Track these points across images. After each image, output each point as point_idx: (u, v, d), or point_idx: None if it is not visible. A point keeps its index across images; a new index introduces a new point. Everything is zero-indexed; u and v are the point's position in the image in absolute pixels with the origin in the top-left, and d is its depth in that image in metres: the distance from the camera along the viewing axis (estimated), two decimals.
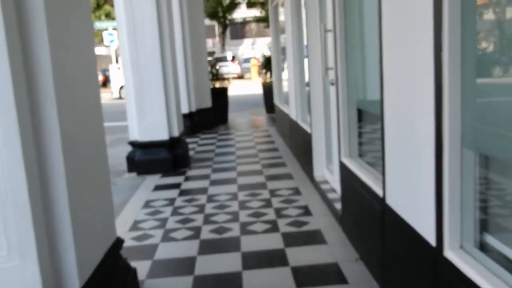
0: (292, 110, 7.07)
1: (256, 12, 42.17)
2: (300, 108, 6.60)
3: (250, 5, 43.25)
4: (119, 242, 3.06)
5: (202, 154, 7.99)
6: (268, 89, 12.83)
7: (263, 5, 39.92)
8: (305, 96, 6.53)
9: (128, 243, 4.03)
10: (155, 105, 6.69)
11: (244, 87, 24.73)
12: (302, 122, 6.33)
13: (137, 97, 6.68)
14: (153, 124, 6.72)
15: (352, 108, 3.95)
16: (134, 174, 6.78)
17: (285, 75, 9.37)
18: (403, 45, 2.36)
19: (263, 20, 40.31)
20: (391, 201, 2.73)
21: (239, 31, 51.56)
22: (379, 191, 2.97)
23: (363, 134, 3.96)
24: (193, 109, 10.14)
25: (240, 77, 34.69)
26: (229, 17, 43.76)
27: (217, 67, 13.02)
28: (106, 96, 22.82)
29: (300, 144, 6.45)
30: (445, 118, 1.92)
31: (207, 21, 46.20)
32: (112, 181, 6.64)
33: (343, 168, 3.97)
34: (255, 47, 44.61)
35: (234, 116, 12.62)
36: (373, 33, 3.33)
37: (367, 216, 3.29)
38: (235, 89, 20.88)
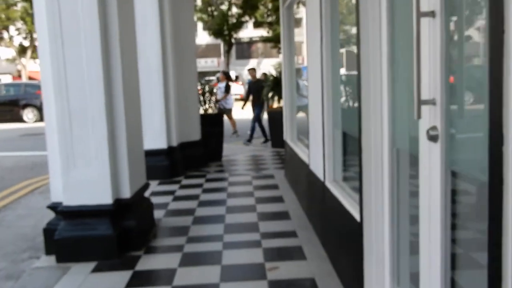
0: (316, 163, 4.45)
1: (263, 32, 40.21)
2: (332, 162, 3.96)
3: (257, 24, 41.31)
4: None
5: (175, 217, 5.34)
6: (275, 118, 10.25)
7: (270, 25, 37.88)
8: (339, 144, 3.91)
9: None
10: (92, 150, 4.07)
11: (246, 110, 22.16)
12: (337, 190, 3.67)
13: (62, 136, 4.07)
14: (88, 180, 4.09)
15: None
16: (52, 260, 4.12)
17: (300, 101, 6.78)
18: None
19: (270, 40, 38.24)
20: None
21: (245, 50, 49.71)
22: None
23: None
24: (174, 143, 7.54)
25: (244, 98, 32.26)
26: (235, 36, 41.80)
27: (215, 89, 10.56)
28: None
29: (333, 226, 3.80)
30: None
31: (212, 39, 44.37)
32: (12, 272, 4.02)
33: None
34: (261, 68, 42.44)
35: (230, 150, 10.00)
36: None
37: None
38: (235, 112, 18.30)
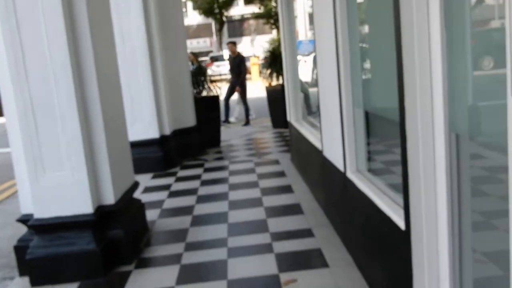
0: (332, 149, 3.77)
1: (254, 9, 39.12)
2: (354, 149, 3.28)
3: (247, 1, 40.14)
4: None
5: (171, 218, 4.68)
6: (275, 96, 9.54)
7: (262, 1, 36.70)
8: (361, 126, 3.22)
9: None
10: (64, 150, 3.38)
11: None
12: (363, 183, 3.00)
13: (26, 135, 3.37)
14: (61, 187, 3.41)
15: None
16: (27, 282, 3.47)
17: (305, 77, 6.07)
18: None
19: (262, 16, 37.11)
20: None
21: (237, 28, 48.54)
22: None
23: None
24: (167, 131, 6.84)
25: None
26: (226, 13, 40.69)
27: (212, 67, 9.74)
28: None
29: (362, 227, 3.14)
30: None
31: (203, 19, 43.21)
32: None
33: None
34: (254, 45, 41.48)
35: (229, 133, 9.30)
36: None
37: None
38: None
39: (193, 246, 3.84)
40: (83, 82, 3.42)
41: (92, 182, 3.47)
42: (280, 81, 9.71)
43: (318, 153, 4.28)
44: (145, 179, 6.23)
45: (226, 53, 32.95)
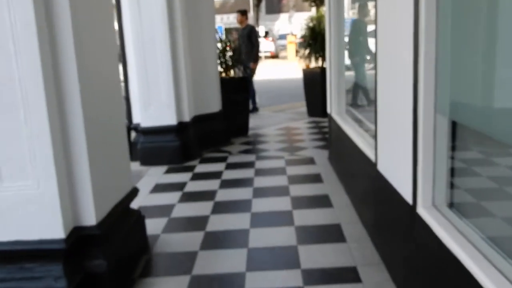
0: (392, 166, 2.75)
1: None
2: (431, 175, 2.25)
3: None
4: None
5: (179, 233, 3.76)
6: (312, 80, 8.52)
7: None
8: (445, 143, 2.19)
9: None
10: (26, 152, 2.48)
11: (277, 69, 20.31)
12: (445, 231, 1.98)
13: None
14: (23, 201, 2.52)
15: None
16: None
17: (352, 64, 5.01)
18: None
19: None
20: None
21: (275, 4, 47.03)
22: None
23: None
24: (186, 117, 5.91)
25: (274, 56, 30.21)
26: None
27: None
28: None
29: None
30: None
31: None
32: None
33: None
34: (292, 22, 40.03)
35: (259, 120, 8.33)
36: None
37: None
38: (265, 72, 16.45)
39: (200, 284, 2.92)
40: (56, 52, 2.49)
41: (65, 195, 2.57)
42: (319, 64, 8.65)
43: (369, 164, 3.26)
44: (157, 173, 5.36)
45: (262, 30, 31.72)
